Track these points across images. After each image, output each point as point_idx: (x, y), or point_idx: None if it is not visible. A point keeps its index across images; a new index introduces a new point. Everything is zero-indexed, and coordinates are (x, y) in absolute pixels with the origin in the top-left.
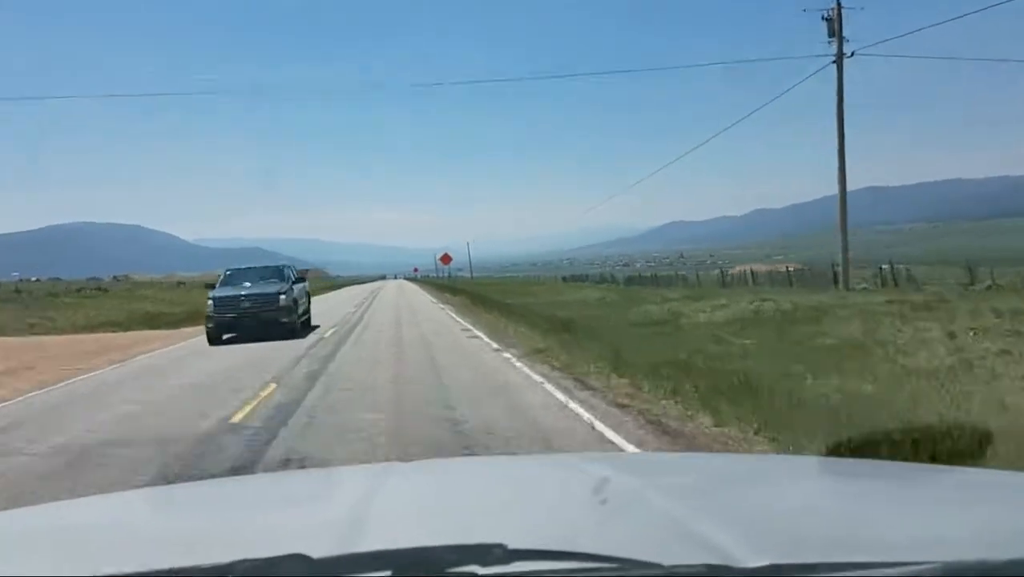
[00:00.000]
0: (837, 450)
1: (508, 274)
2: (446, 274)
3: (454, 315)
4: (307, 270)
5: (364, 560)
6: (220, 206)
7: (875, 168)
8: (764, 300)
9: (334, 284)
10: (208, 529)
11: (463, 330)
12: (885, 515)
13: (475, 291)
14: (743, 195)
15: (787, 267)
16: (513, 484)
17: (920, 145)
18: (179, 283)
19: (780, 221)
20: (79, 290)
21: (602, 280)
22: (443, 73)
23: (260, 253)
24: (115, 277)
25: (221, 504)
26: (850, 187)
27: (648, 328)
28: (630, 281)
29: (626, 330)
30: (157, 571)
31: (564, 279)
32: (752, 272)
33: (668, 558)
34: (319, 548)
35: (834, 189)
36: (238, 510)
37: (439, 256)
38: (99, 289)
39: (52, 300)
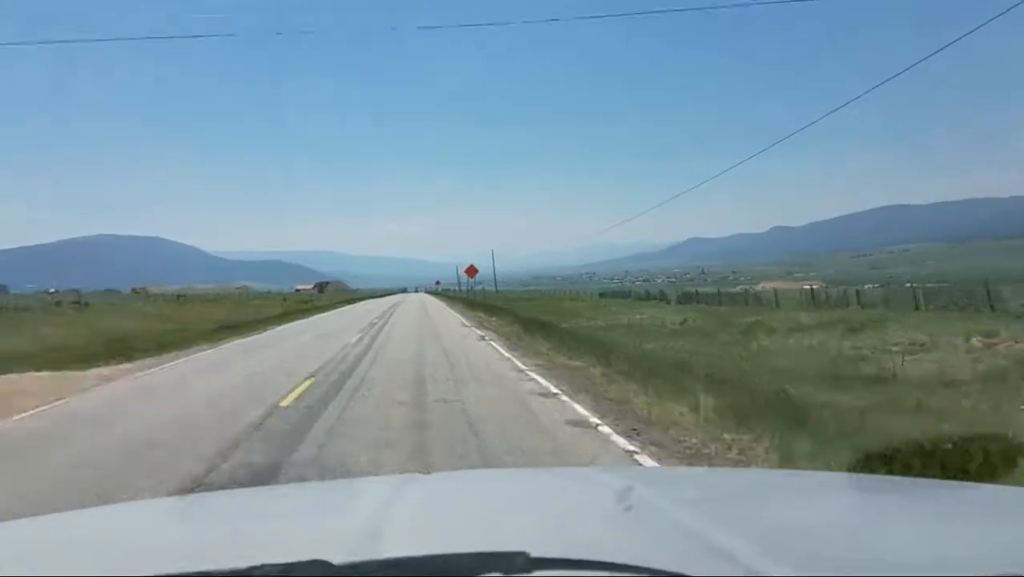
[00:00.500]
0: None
1: (530, 288)
2: (468, 287)
3: (506, 352)
4: (327, 283)
5: (384, 566)
6: (241, 217)
7: (895, 186)
8: (986, 336)
9: (353, 297)
10: (226, 537)
11: (557, 407)
12: (903, 531)
13: (512, 310)
14: (762, 212)
15: (913, 288)
16: (533, 495)
17: (940, 163)
18: (178, 296)
19: (798, 239)
20: (58, 303)
21: (648, 296)
22: (474, 81)
23: (280, 265)
24: (134, 289)
25: (239, 514)
26: (868, 206)
27: (873, 390)
28: (687, 299)
29: (850, 396)
30: (173, 575)
31: (602, 295)
32: (855, 292)
33: (690, 569)
34: (338, 554)
35: (851, 208)
36: (256, 519)
37: (464, 268)
38: (78, 304)
39: (17, 316)
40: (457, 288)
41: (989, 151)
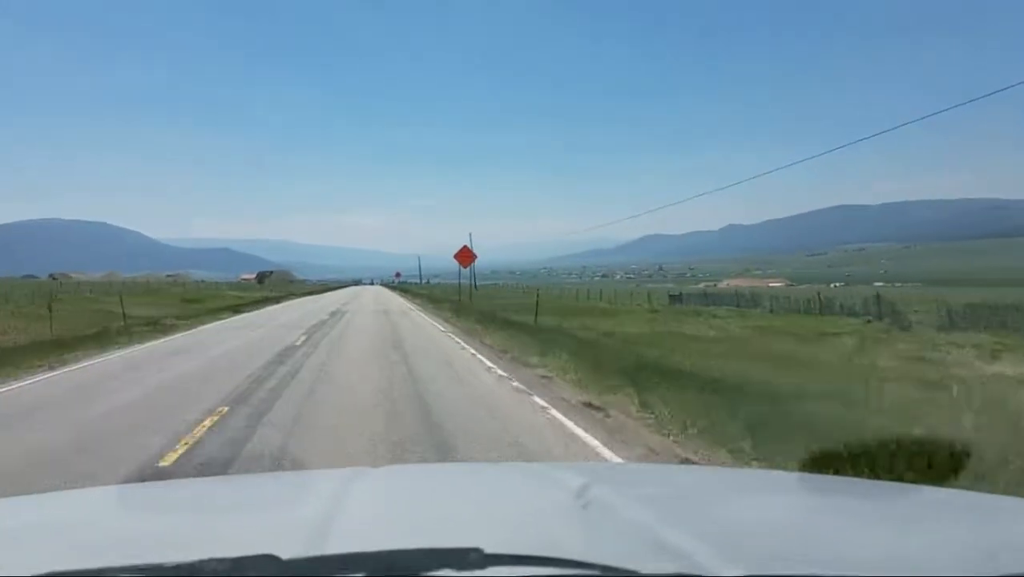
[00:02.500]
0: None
1: (488, 282)
2: (426, 280)
3: None
4: (269, 272)
5: (335, 562)
6: (191, 206)
7: (846, 187)
8: None
9: (292, 291)
10: (176, 528)
11: None
12: (856, 531)
13: (520, 319)
14: (717, 211)
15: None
16: (489, 490)
17: (891, 166)
18: (89, 285)
19: (753, 237)
20: None
21: (712, 302)
22: (436, 87)
23: (230, 254)
24: (51, 276)
25: (190, 504)
26: (820, 205)
27: None
28: (714, 300)
29: None
30: (123, 567)
31: (672, 297)
32: (876, 296)
33: (643, 566)
34: (289, 549)
35: (804, 208)
36: (207, 510)
37: (456, 253)
38: None
39: None
40: (419, 281)
41: (934, 155)
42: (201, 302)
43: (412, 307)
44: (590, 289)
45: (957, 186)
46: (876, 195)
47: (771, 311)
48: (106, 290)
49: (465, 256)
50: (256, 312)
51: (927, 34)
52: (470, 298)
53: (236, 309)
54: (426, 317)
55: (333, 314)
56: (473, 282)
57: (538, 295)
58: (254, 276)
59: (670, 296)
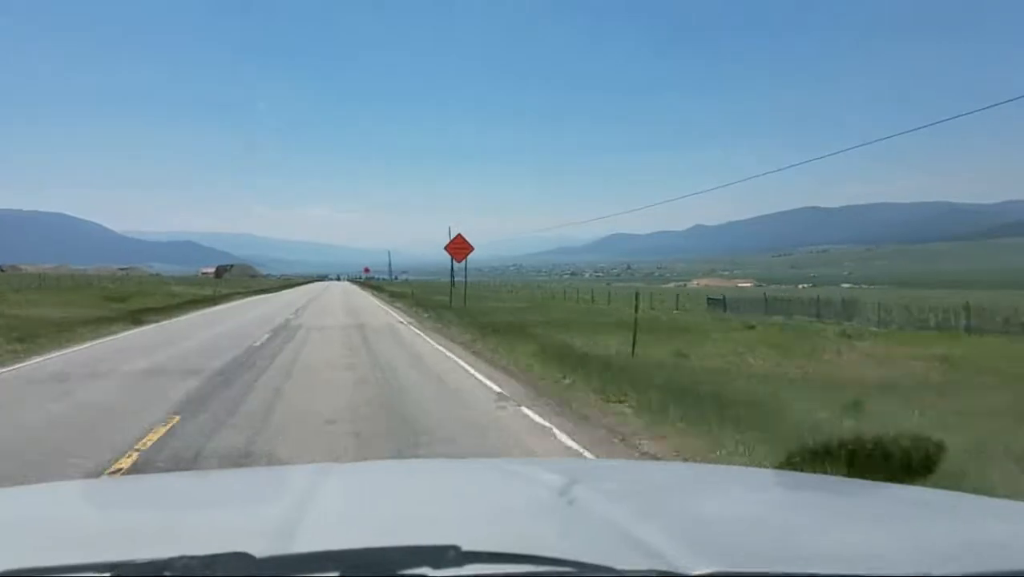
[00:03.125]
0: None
1: (458, 279)
2: (395, 277)
3: None
4: (229, 266)
5: (310, 560)
6: (158, 199)
7: (811, 189)
8: None
9: (248, 287)
10: (147, 524)
11: None
12: (829, 528)
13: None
14: (683, 211)
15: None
16: (463, 487)
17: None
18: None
19: (718, 237)
20: None
21: (772, 307)
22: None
23: (193, 247)
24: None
25: (161, 499)
26: (788, 206)
27: None
28: (780, 311)
29: None
30: (92, 564)
31: (710, 301)
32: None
33: (620, 563)
34: (262, 547)
35: (768, 209)
36: (178, 506)
37: (446, 244)
38: None
39: None
40: (389, 277)
41: (892, 159)
42: (123, 301)
43: (398, 318)
44: (579, 289)
45: (915, 189)
46: (838, 197)
47: (899, 328)
48: (29, 283)
49: (460, 248)
50: (150, 327)
51: (886, 38)
52: (464, 301)
53: (138, 319)
54: (428, 340)
55: (294, 310)
56: (460, 279)
57: (605, 299)
58: (213, 270)
59: (709, 300)
